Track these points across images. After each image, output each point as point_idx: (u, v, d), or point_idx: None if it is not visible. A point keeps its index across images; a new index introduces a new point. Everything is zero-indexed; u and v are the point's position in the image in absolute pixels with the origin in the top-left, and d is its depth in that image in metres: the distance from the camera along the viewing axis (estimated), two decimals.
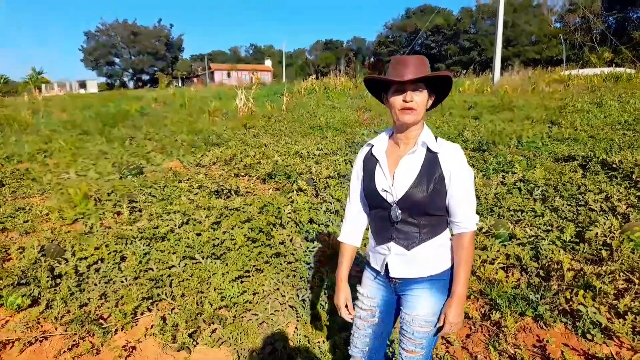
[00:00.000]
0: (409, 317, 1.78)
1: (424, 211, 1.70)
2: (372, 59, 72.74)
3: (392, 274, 1.78)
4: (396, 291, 1.85)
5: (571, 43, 49.13)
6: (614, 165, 5.26)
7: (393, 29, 72.61)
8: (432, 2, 72.47)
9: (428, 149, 1.70)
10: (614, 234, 3.63)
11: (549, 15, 59.37)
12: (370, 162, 1.83)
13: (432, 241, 1.73)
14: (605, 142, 6.71)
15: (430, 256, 1.74)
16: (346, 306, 1.95)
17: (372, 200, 1.81)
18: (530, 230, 3.92)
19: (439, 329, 1.75)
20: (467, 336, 2.83)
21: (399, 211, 1.71)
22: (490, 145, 7.02)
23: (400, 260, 1.76)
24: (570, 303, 2.91)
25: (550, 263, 3.34)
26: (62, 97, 29.33)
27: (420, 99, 1.64)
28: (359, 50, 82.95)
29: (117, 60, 72.13)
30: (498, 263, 3.40)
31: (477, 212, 4.35)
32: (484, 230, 3.95)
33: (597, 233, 3.63)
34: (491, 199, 4.65)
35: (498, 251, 3.56)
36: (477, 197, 4.73)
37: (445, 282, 1.75)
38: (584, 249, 3.50)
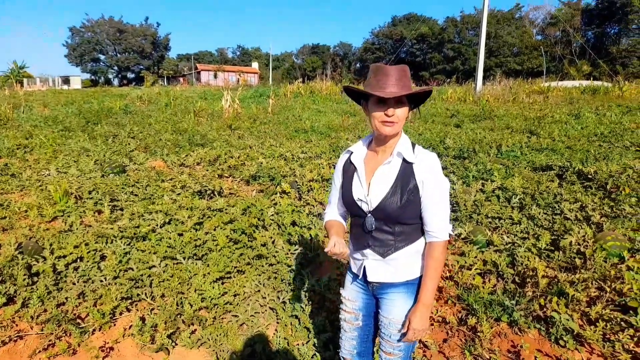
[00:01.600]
0: (386, 320, 1.82)
1: (398, 220, 1.74)
2: (358, 65, 73.20)
3: (369, 278, 1.84)
4: (374, 294, 1.90)
5: (551, 55, 50.33)
6: (590, 176, 5.41)
7: (379, 35, 73.24)
8: (418, 11, 73.72)
9: (404, 159, 1.73)
10: (588, 242, 3.74)
11: (530, 27, 60.65)
12: (349, 170, 1.87)
13: (408, 248, 1.78)
14: (582, 153, 6.90)
15: (406, 262, 1.78)
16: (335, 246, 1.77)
17: (350, 207, 1.87)
18: (508, 237, 4.02)
19: (403, 335, 1.78)
20: (444, 340, 2.89)
21: (374, 220, 1.76)
22: (470, 153, 7.14)
23: (377, 265, 1.82)
24: (545, 309, 2.99)
25: (525, 270, 3.43)
26: (44, 92, 28.77)
27: (401, 112, 1.67)
28: (345, 56, 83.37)
29: (102, 57, 71.10)
30: (475, 269, 3.47)
31: (456, 219, 4.45)
32: (462, 236, 4.03)
33: (571, 241, 3.73)
34: (470, 205, 4.74)
35: (476, 257, 3.63)
36: (457, 204, 4.83)
37: (418, 287, 1.80)
38: (558, 256, 3.60)
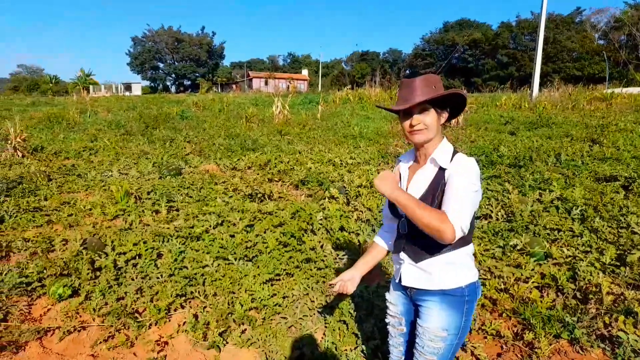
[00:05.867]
0: (421, 329, 1.81)
1: None
2: (407, 71, 72.40)
3: (403, 282, 1.84)
4: (412, 300, 1.89)
5: (615, 61, 47.44)
6: None
7: (430, 41, 72.21)
8: (470, 16, 71.80)
9: (439, 166, 1.71)
10: None
11: (592, 32, 57.58)
12: (398, 177, 1.90)
13: (442, 257, 1.72)
14: None
15: (440, 270, 1.73)
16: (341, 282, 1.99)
17: (391, 211, 1.91)
18: (568, 250, 3.81)
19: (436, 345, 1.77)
20: (498, 355, 2.77)
21: (407, 224, 1.77)
22: (527, 162, 6.86)
23: (410, 269, 1.81)
24: (609, 328, 2.81)
25: (588, 285, 3.24)
26: (108, 98, 30.55)
27: (429, 119, 1.68)
28: (394, 62, 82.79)
29: (161, 65, 74.59)
30: (532, 282, 3.32)
31: (512, 229, 4.27)
32: (518, 247, 3.87)
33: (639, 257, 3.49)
34: (527, 216, 4.54)
35: (533, 270, 3.47)
36: (512, 214, 4.65)
37: (456, 299, 1.73)
38: (625, 272, 3.37)
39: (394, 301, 1.98)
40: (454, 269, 1.73)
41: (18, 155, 8.09)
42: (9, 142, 8.18)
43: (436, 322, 1.75)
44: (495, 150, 7.79)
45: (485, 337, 2.90)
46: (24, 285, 3.41)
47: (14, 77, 69.44)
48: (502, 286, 3.31)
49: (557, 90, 20.43)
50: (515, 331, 2.96)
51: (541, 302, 3.08)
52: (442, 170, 1.69)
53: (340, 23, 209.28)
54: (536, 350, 2.70)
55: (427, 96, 1.64)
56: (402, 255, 1.83)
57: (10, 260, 3.92)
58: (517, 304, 3.13)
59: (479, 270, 3.36)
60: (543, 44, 20.30)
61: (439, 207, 1.64)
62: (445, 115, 1.75)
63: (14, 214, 4.88)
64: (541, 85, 21.65)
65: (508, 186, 5.37)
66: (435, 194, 1.67)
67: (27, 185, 5.97)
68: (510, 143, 8.47)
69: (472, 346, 2.75)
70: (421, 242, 1.74)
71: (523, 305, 3.09)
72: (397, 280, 1.90)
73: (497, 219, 4.64)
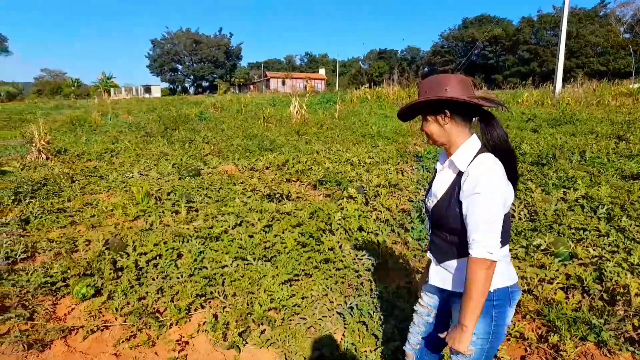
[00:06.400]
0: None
1: (447, 228, 1.71)
2: (426, 69, 71.69)
3: (430, 282, 1.87)
4: (447, 302, 1.86)
5: None
6: None
7: (449, 38, 71.31)
8: (490, 12, 70.59)
9: (459, 170, 1.69)
10: None
11: (617, 25, 56.00)
12: None
13: (463, 260, 1.68)
14: None
15: (461, 274, 1.70)
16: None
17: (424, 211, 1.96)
18: (594, 250, 3.71)
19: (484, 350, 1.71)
20: (522, 357, 2.71)
21: (430, 223, 1.83)
22: (550, 159, 6.71)
23: (437, 270, 1.84)
24: (639, 331, 2.72)
25: (615, 286, 3.14)
26: (129, 100, 31.10)
27: (430, 127, 1.74)
28: (412, 60, 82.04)
29: (179, 67, 75.49)
30: (557, 283, 3.24)
31: (535, 229, 4.18)
32: (541, 247, 3.78)
33: None
34: (550, 215, 4.44)
35: (557, 270, 3.39)
36: (535, 213, 4.55)
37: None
38: None
39: (431, 293, 1.96)
40: None
41: (42, 158, 8.28)
42: (34, 144, 8.38)
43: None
44: (517, 148, 7.64)
45: (509, 339, 2.84)
46: (49, 284, 3.48)
47: (38, 81, 71.28)
48: (526, 287, 3.24)
49: (581, 86, 19.96)
50: (539, 333, 2.89)
51: (566, 303, 3.01)
52: (460, 174, 1.66)
53: (357, 21, 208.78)
54: (561, 353, 2.63)
55: (407, 111, 1.80)
56: (429, 254, 1.88)
57: (36, 261, 4.01)
58: (541, 306, 3.06)
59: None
60: (566, 38, 19.84)
61: (451, 209, 1.66)
62: (454, 116, 1.68)
63: (38, 215, 4.99)
64: (564, 81, 21.14)
65: (531, 185, 5.25)
66: (451, 200, 1.67)
67: (51, 187, 6.10)
68: (533, 141, 8.30)
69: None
70: (442, 244, 1.76)
71: (548, 307, 3.01)
72: (426, 280, 1.94)
73: (520, 219, 4.54)
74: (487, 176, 1.56)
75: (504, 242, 1.64)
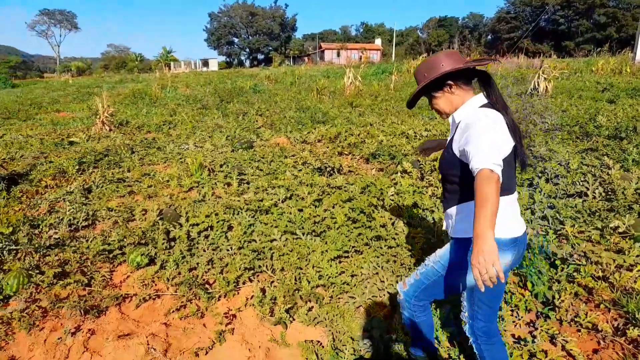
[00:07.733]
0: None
1: (447, 177, 1.84)
2: (489, 37, 67.84)
3: (444, 227, 2.00)
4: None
5: None
6: None
7: (516, 3, 66.51)
8: None
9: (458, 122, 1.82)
10: None
11: None
12: None
13: (461, 207, 1.81)
14: None
15: (456, 221, 1.84)
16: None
17: None
18: None
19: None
20: (595, 351, 2.45)
21: (440, 170, 1.93)
22: (629, 133, 6.06)
23: (445, 216, 1.97)
24: None
25: None
26: (187, 74, 31.93)
27: (437, 104, 1.91)
28: (475, 28, 77.66)
29: (235, 40, 76.19)
30: (638, 270, 2.89)
31: (611, 209, 3.78)
32: (619, 230, 3.40)
33: None
34: (630, 194, 3.99)
35: (638, 256, 3.03)
36: (613, 192, 4.12)
37: (464, 241, 1.79)
38: None
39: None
40: (469, 221, 1.68)
41: (106, 129, 8.65)
42: (98, 117, 8.75)
43: (443, 250, 1.94)
44: (591, 120, 6.99)
45: (579, 330, 2.58)
46: (107, 252, 3.60)
47: (105, 56, 75.03)
48: (600, 274, 2.93)
49: None
50: (615, 325, 2.60)
51: None
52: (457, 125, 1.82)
53: None
54: None
55: (415, 97, 1.98)
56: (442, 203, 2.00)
57: (96, 229, 4.17)
58: (618, 295, 2.75)
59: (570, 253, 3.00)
60: None
61: (447, 156, 1.80)
62: (457, 83, 1.82)
63: (100, 184, 5.19)
64: None
65: (608, 160, 4.76)
66: (450, 149, 1.80)
67: (112, 158, 6.34)
68: (610, 112, 7.55)
69: (563, 339, 2.45)
70: (445, 194, 1.91)
71: (626, 297, 2.70)
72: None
73: (595, 197, 4.13)
74: (484, 119, 1.65)
75: (506, 191, 1.70)
